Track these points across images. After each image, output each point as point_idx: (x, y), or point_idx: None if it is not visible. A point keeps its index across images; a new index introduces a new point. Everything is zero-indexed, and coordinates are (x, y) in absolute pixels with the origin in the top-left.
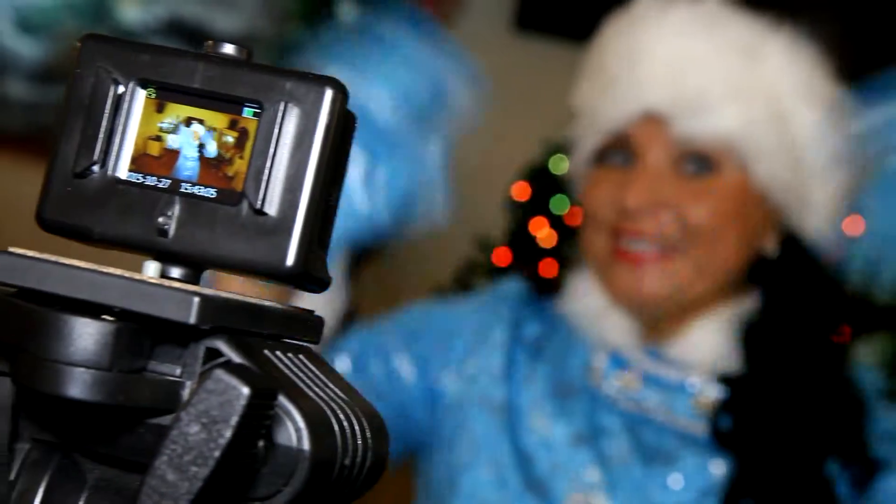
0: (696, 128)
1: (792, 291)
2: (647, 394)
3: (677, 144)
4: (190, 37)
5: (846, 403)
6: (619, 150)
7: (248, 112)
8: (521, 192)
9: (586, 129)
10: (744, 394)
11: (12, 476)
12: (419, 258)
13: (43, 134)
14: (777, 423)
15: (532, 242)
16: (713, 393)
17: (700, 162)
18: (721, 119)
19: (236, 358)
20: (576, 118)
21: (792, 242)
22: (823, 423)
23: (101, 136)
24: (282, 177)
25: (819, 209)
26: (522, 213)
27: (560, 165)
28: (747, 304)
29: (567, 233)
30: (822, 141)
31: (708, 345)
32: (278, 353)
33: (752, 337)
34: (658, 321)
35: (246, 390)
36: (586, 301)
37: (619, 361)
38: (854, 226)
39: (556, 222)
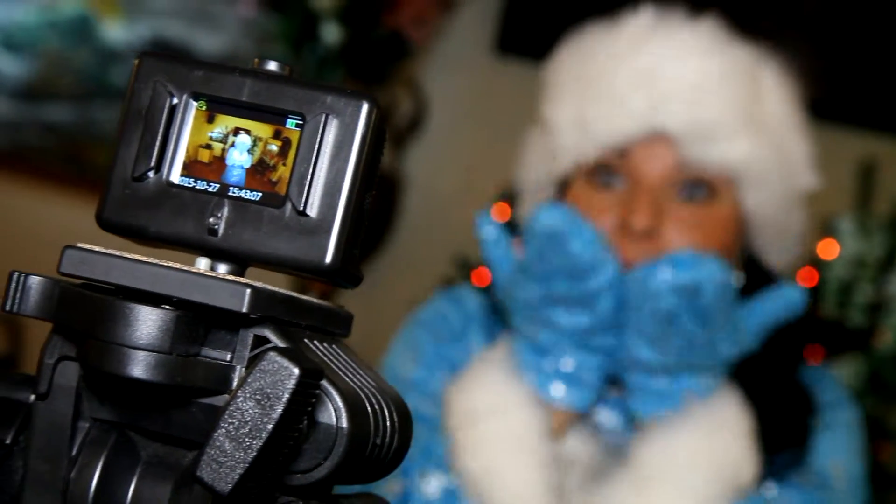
0: (707, 154)
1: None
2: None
3: (682, 168)
4: None
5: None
6: (610, 170)
7: (291, 123)
8: (501, 212)
9: (576, 140)
10: None
11: (74, 452)
12: (399, 277)
13: (26, 151)
14: None
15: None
16: None
17: (700, 188)
18: (732, 148)
19: (281, 344)
20: (551, 127)
21: (754, 266)
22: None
23: (157, 143)
24: (322, 182)
25: (786, 241)
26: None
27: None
28: None
29: None
30: (810, 170)
31: None
32: (315, 342)
33: None
34: None
35: (296, 371)
36: None
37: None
38: (827, 250)
39: None
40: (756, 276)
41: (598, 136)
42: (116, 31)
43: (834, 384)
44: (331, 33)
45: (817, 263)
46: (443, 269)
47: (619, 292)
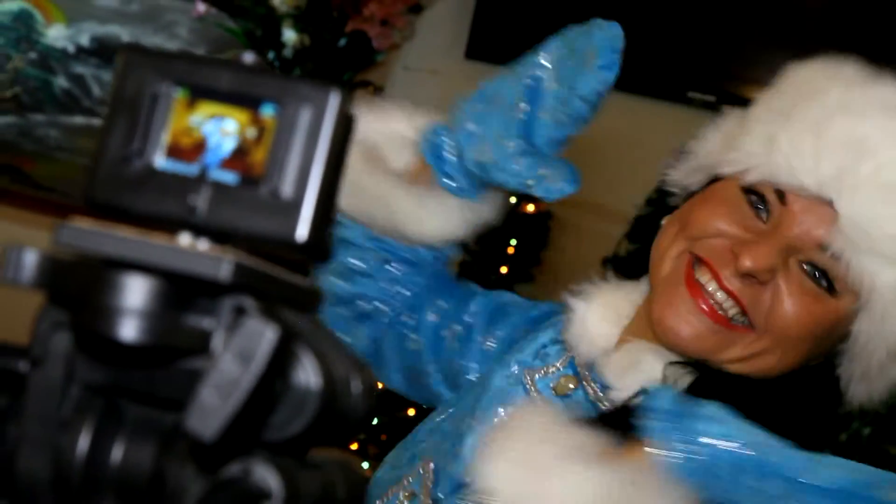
0: (856, 257)
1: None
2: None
3: (825, 249)
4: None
5: None
6: (763, 200)
7: (267, 110)
8: None
9: (751, 153)
10: None
11: (65, 416)
12: None
13: None
14: None
15: (487, 279)
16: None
17: (827, 277)
18: (883, 269)
19: (260, 311)
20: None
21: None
22: None
23: (141, 128)
24: (296, 164)
25: (869, 389)
26: (481, 249)
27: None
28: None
29: (522, 273)
30: None
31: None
32: (288, 312)
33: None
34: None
35: (273, 332)
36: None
37: (573, 367)
38: None
39: (514, 261)
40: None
41: (776, 165)
42: (59, 32)
43: None
44: (290, 38)
45: None
46: None
47: None
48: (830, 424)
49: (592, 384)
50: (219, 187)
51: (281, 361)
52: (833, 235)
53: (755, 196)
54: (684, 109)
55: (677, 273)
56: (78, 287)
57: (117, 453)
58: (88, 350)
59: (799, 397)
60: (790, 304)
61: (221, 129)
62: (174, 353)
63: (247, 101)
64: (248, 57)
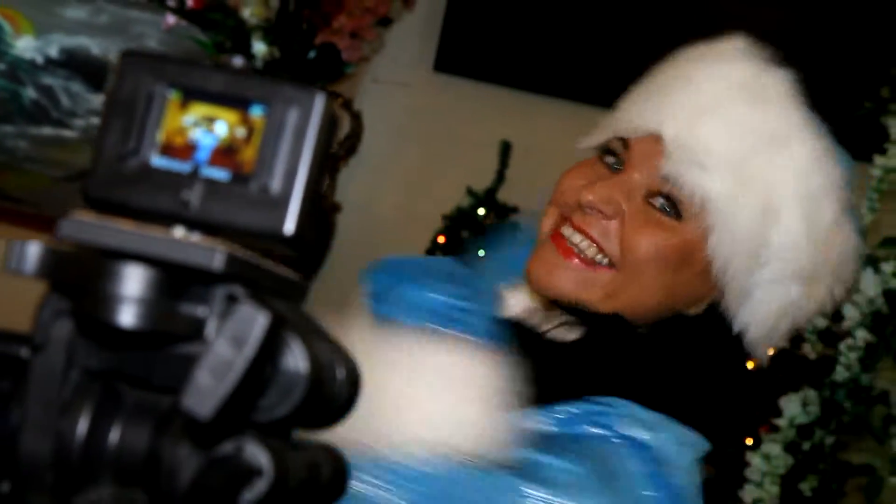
0: (686, 175)
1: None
2: None
3: (663, 177)
4: (87, 71)
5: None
6: (616, 156)
7: (255, 110)
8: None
9: (610, 122)
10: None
11: (65, 399)
12: (336, 302)
13: None
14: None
15: None
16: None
17: (672, 204)
18: (712, 181)
19: (251, 298)
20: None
21: (715, 313)
22: None
23: (136, 128)
24: (283, 162)
25: (758, 317)
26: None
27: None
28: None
29: None
30: (794, 257)
31: None
32: (276, 301)
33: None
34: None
35: (265, 318)
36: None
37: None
38: None
39: None
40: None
41: (620, 124)
42: (28, 44)
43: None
44: (260, 50)
45: None
46: None
47: None
48: (730, 372)
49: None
50: (211, 183)
51: (272, 346)
52: (665, 162)
53: (607, 154)
54: None
55: (545, 233)
56: (79, 276)
57: (115, 435)
58: (89, 336)
59: (693, 346)
60: (637, 233)
61: (213, 128)
62: (170, 338)
63: (237, 103)
64: (238, 60)
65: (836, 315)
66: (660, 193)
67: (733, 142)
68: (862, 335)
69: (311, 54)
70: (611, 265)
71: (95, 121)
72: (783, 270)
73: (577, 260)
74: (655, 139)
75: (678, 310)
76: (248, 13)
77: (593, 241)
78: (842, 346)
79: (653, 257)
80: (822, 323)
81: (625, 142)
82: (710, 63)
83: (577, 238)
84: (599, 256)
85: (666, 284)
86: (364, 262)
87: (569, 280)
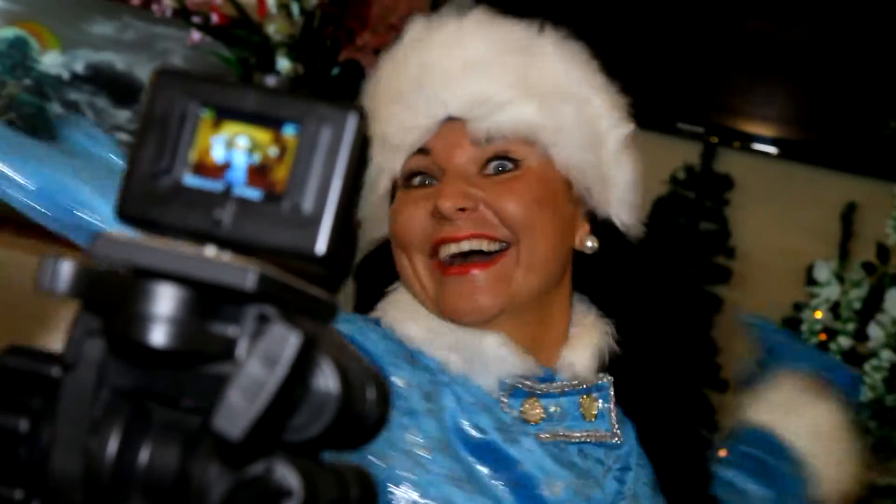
0: (492, 125)
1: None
2: (552, 418)
3: (479, 147)
4: (113, 87)
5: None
6: (422, 172)
7: (288, 129)
8: None
9: (383, 156)
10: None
11: (96, 418)
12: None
13: None
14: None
15: None
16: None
17: (503, 160)
18: (514, 112)
19: (283, 318)
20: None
21: (608, 236)
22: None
23: (169, 146)
24: (316, 181)
25: (620, 191)
26: None
27: None
28: (592, 312)
29: None
30: (616, 124)
31: (583, 358)
32: (308, 321)
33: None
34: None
35: (298, 338)
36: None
37: (519, 392)
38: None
39: None
40: (613, 239)
41: (398, 144)
42: (55, 60)
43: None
44: (284, 66)
45: (798, 308)
46: None
47: None
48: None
49: (538, 385)
50: (243, 202)
51: (303, 366)
52: (469, 129)
53: (412, 178)
54: (673, 140)
55: (432, 274)
56: (111, 295)
57: (144, 454)
58: (120, 355)
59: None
60: (503, 201)
61: (246, 147)
62: (201, 358)
63: (269, 122)
64: (271, 79)
65: (861, 335)
66: (488, 160)
67: (502, 70)
68: (887, 356)
69: (335, 71)
70: (506, 246)
71: (121, 136)
72: (614, 142)
73: (475, 270)
74: (446, 123)
75: (573, 242)
76: (273, 30)
77: (479, 235)
78: (867, 367)
79: (530, 208)
80: (847, 343)
81: (423, 150)
82: (426, 42)
83: (465, 245)
84: (494, 245)
85: (555, 224)
86: None
87: (488, 293)
